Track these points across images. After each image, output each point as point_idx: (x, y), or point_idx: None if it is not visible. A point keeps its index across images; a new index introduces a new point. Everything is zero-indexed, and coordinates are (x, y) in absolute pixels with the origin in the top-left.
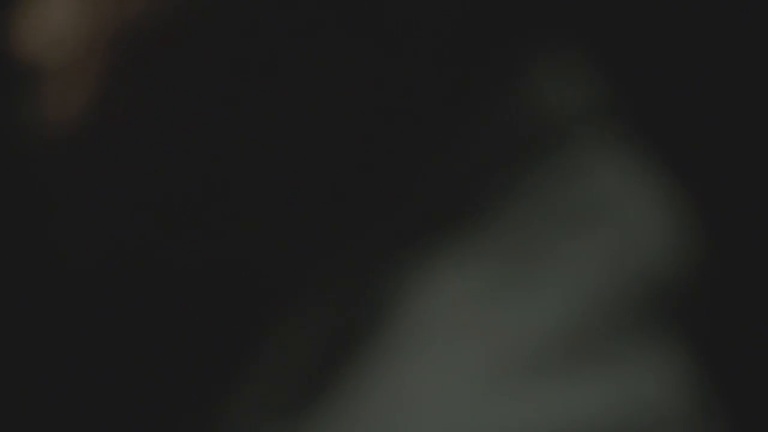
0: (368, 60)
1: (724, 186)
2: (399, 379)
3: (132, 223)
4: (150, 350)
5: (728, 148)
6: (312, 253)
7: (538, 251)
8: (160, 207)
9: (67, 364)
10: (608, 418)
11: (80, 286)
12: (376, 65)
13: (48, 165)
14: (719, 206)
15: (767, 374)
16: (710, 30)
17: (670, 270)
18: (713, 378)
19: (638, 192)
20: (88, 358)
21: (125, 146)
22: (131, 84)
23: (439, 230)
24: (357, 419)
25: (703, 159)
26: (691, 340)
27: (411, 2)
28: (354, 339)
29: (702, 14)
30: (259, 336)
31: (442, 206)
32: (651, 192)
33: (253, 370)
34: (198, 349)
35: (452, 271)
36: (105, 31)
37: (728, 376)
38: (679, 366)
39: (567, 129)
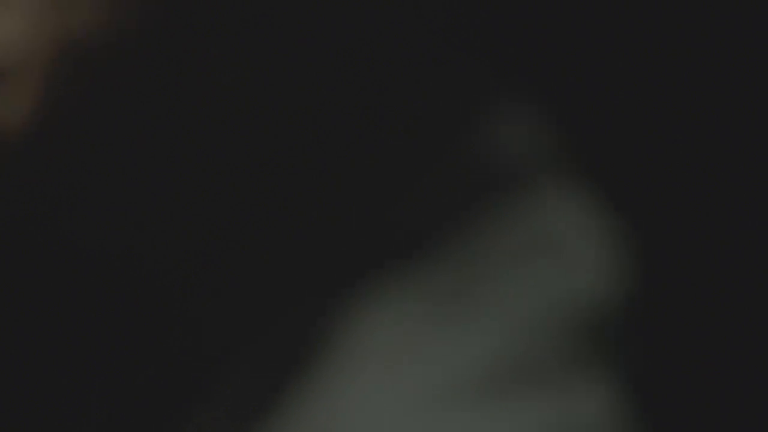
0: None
1: (664, 225)
2: (336, 405)
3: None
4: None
5: (667, 191)
6: (259, 285)
7: (480, 287)
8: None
9: None
10: None
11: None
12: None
13: None
14: (657, 244)
15: (696, 400)
16: (653, 81)
17: (607, 303)
18: (646, 403)
19: (581, 231)
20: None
21: (70, 153)
22: (77, 92)
23: (384, 263)
24: None
25: (645, 202)
26: (624, 368)
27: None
28: (295, 366)
29: (643, 63)
30: (205, 366)
31: (389, 240)
32: (593, 231)
33: (197, 398)
34: (141, 375)
35: (394, 302)
36: (55, 39)
37: (660, 403)
38: (612, 392)
39: (520, 171)
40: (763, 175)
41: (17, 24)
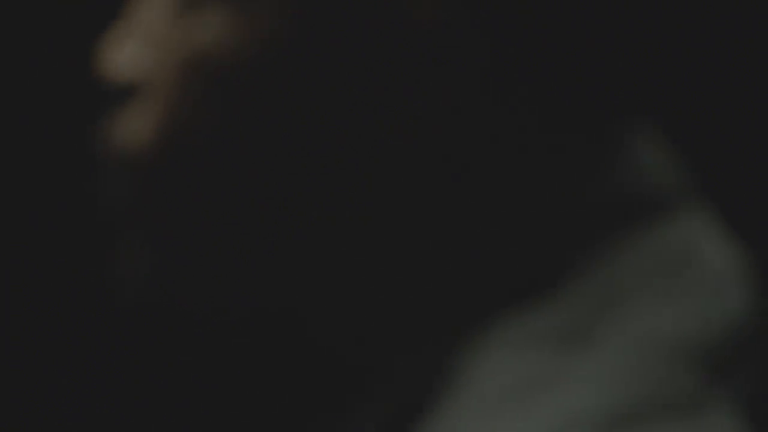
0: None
1: None
2: None
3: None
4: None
5: None
6: (381, 329)
7: (616, 316)
8: (219, 249)
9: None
10: None
11: (127, 318)
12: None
13: (117, 187)
14: None
15: None
16: None
17: (743, 326)
18: None
19: (721, 255)
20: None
21: (193, 175)
22: (203, 113)
23: (514, 302)
24: None
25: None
26: (753, 392)
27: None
28: (417, 412)
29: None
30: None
31: (517, 279)
32: (731, 255)
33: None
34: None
35: (521, 341)
36: (181, 58)
37: None
38: (742, 418)
39: (659, 199)
40: None
41: (144, 43)
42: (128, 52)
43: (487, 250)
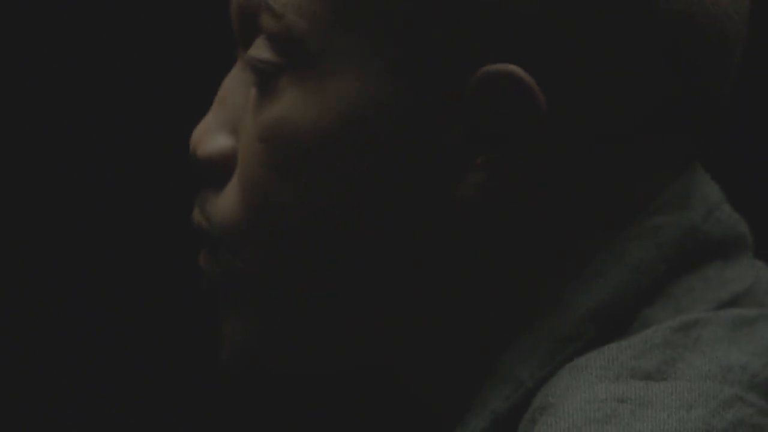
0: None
1: None
2: None
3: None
4: None
5: None
6: (468, 366)
7: (693, 358)
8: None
9: None
10: None
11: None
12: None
13: (214, 261)
14: None
15: None
16: None
17: None
18: None
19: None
20: None
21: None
22: (281, 180)
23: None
24: None
25: None
26: None
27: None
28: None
29: None
30: None
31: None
32: None
33: None
34: None
35: (611, 376)
36: (258, 133)
37: None
38: None
39: (739, 243)
40: None
41: (230, 132)
42: (216, 140)
43: (580, 289)
